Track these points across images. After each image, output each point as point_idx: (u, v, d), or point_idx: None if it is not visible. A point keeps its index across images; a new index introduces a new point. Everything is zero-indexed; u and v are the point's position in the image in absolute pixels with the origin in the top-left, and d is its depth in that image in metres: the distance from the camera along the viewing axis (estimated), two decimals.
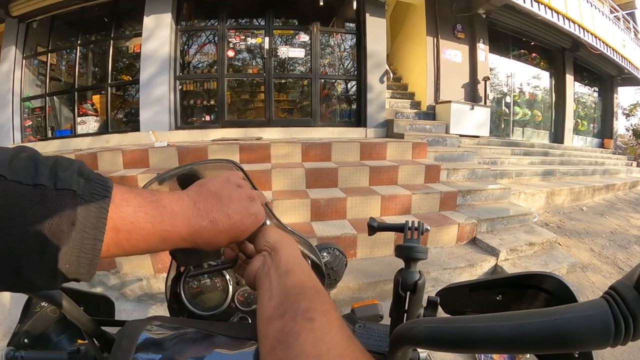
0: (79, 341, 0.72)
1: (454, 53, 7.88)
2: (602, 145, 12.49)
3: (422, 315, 0.65)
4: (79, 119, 7.04)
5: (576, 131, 11.49)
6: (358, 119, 6.96)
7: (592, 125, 12.78)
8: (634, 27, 12.43)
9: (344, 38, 7.11)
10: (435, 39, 7.62)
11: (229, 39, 6.58)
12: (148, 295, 3.33)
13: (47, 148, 6.80)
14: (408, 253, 0.65)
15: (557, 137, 10.61)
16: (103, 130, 6.93)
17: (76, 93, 7.11)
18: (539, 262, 3.80)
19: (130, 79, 6.97)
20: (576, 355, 0.53)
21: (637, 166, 11.39)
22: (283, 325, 0.39)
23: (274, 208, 3.82)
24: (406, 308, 0.65)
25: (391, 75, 7.29)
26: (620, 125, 14.89)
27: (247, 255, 0.62)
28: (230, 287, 0.93)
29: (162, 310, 3.13)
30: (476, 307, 0.66)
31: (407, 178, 4.67)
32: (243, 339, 0.57)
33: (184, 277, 0.94)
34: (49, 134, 7.33)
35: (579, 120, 11.76)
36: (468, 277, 3.56)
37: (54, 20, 7.21)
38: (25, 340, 0.72)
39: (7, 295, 3.04)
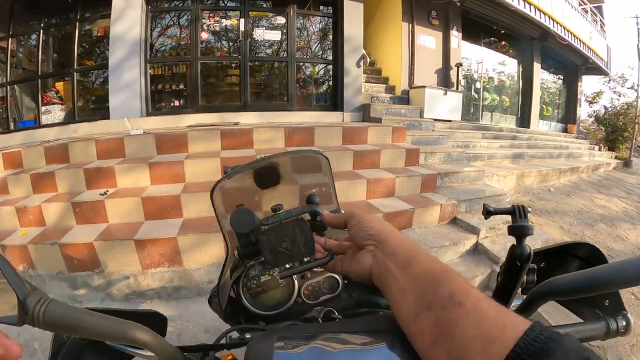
0: None
1: (428, 39, 7.99)
2: (565, 130, 13.03)
3: (526, 280, 0.77)
4: (43, 109, 6.65)
5: (541, 116, 11.94)
6: (334, 103, 6.93)
7: (556, 111, 13.30)
8: (600, 20, 12.99)
9: (320, 21, 7.03)
10: (410, 24, 7.68)
11: (203, 20, 6.37)
12: (136, 293, 3.22)
13: (11, 141, 6.41)
14: (520, 231, 0.78)
15: (524, 121, 10.99)
16: (69, 119, 6.57)
17: (39, 81, 6.71)
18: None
19: (95, 63, 6.66)
20: (606, 304, 0.69)
21: (599, 150, 11.95)
22: (436, 318, 0.40)
23: (275, 197, 3.75)
24: (521, 275, 0.76)
25: (367, 59, 7.30)
26: (583, 111, 15.65)
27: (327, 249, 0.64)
28: (296, 282, 0.89)
29: (152, 308, 3.04)
30: None
31: (388, 161, 4.70)
32: (379, 331, 0.54)
33: (242, 278, 0.89)
34: (12, 126, 6.90)
35: (544, 106, 12.21)
36: (453, 254, 3.70)
37: (14, 3, 6.73)
38: None
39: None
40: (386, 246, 0.51)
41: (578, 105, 13.87)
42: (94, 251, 3.18)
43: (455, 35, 8.29)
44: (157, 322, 0.75)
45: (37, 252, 3.27)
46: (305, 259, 0.65)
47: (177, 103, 6.52)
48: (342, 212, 0.64)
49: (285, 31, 6.63)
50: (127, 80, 6.01)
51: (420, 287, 0.44)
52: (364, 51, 6.82)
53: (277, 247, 0.62)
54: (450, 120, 7.69)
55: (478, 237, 3.84)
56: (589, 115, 16.50)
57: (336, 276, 0.78)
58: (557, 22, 9.48)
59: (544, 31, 9.74)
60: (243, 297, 0.87)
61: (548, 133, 11.51)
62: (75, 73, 6.49)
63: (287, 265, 0.66)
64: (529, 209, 0.84)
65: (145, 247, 3.17)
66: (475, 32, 9.33)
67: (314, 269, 0.84)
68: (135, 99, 6.06)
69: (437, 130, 6.73)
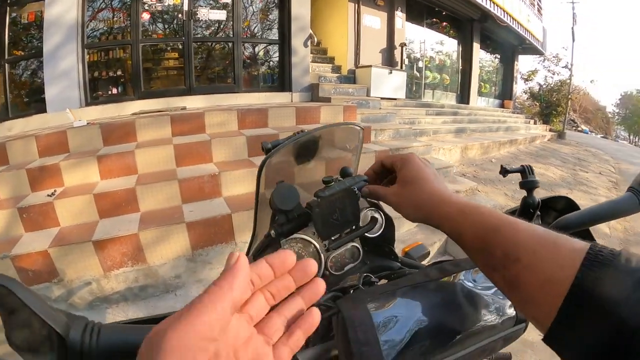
0: None
1: (374, 19, 8.13)
2: (502, 106, 13.73)
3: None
4: None
5: (480, 93, 12.52)
6: (282, 83, 6.86)
7: (493, 88, 13.95)
8: (537, 3, 13.77)
9: (267, 0, 6.90)
10: (356, 5, 7.79)
11: (144, 0, 6.00)
12: (100, 298, 3.02)
13: None
14: (531, 185, 0.92)
15: (463, 98, 11.49)
16: (2, 116, 5.90)
17: None
18: None
19: (27, 53, 6.04)
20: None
21: (534, 124, 12.76)
22: (502, 276, 0.44)
23: (221, 180, 3.73)
24: (532, 221, 0.82)
25: (315, 39, 7.29)
26: (519, 88, 16.63)
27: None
28: (322, 255, 0.84)
29: (120, 312, 2.93)
30: None
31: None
32: (437, 279, 0.61)
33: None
34: None
35: (482, 84, 12.80)
36: (410, 224, 3.77)
37: None
38: None
39: None
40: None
41: (514, 83, 14.72)
42: (50, 259, 2.95)
43: (399, 16, 8.49)
44: None
45: None
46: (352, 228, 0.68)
47: (116, 90, 6.16)
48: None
49: (230, 10, 6.44)
50: (63, 68, 5.57)
51: (476, 253, 0.48)
52: (311, 31, 6.81)
53: (329, 219, 0.64)
54: (395, 99, 7.91)
55: None
56: (524, 92, 17.63)
57: (357, 245, 0.78)
58: (496, 5, 9.92)
59: (484, 13, 10.14)
60: None
61: (487, 109, 12.12)
62: (6, 64, 5.89)
63: (335, 237, 0.68)
64: (533, 168, 0.98)
65: (104, 248, 2.99)
66: (418, 13, 9.60)
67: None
68: (74, 89, 5.65)
69: (384, 108, 6.88)
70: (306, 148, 0.96)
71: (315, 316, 0.37)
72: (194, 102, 6.02)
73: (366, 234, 0.76)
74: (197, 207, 3.46)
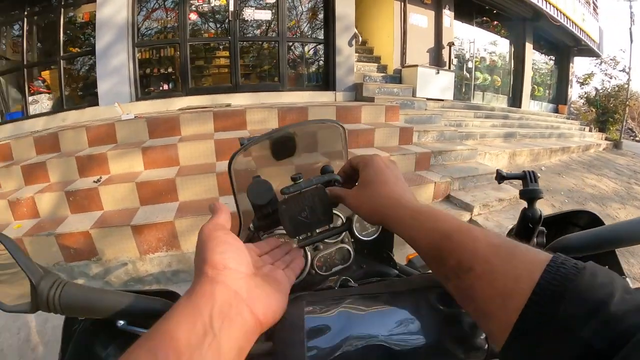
0: None
1: (421, 18, 7.96)
2: (556, 111, 13.07)
3: (536, 242, 0.79)
4: (30, 99, 6.50)
5: (533, 96, 11.96)
6: (326, 82, 6.87)
7: (547, 91, 13.32)
8: (593, 2, 12.95)
9: (311, 0, 6.92)
10: (402, 3, 7.64)
11: (191, 1, 6.24)
12: (135, 279, 3.19)
13: None
14: (532, 194, 0.80)
15: (515, 101, 11.02)
16: (58, 108, 6.45)
17: (25, 70, 6.55)
18: (509, 217, 3.96)
19: (81, 50, 6.50)
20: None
21: (590, 131, 12.03)
22: (455, 285, 0.41)
23: (290, 167, 3.74)
24: (533, 237, 0.79)
25: (359, 38, 7.23)
26: (574, 92, 15.69)
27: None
28: (309, 254, 0.87)
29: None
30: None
31: (383, 140, 4.70)
32: (401, 293, 0.56)
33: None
34: None
35: (536, 87, 12.23)
36: None
37: None
38: None
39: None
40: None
41: (569, 86, 13.90)
42: (91, 239, 3.15)
43: (447, 15, 8.26)
44: (173, 301, 0.73)
45: (32, 244, 3.23)
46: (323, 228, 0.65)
47: (166, 86, 6.43)
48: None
49: (275, 10, 6.53)
50: (115, 65, 5.90)
51: (430, 261, 0.45)
52: (355, 30, 6.75)
53: (296, 217, 0.62)
54: (442, 100, 7.70)
55: (472, 214, 3.88)
56: (580, 97, 16.65)
57: (348, 247, 0.78)
58: (549, 3, 9.45)
59: (537, 11, 9.70)
60: None
61: (539, 113, 11.55)
62: (61, 61, 6.35)
63: (307, 234, 0.67)
64: (539, 175, 0.86)
65: (142, 233, 3.15)
66: (467, 11, 9.27)
67: (326, 240, 0.86)
68: (124, 84, 5.97)
69: (430, 110, 6.74)
70: (283, 144, 0.94)
71: (300, 261, 0.59)
72: (239, 100, 6.13)
73: (360, 237, 0.78)
74: (232, 200, 3.50)
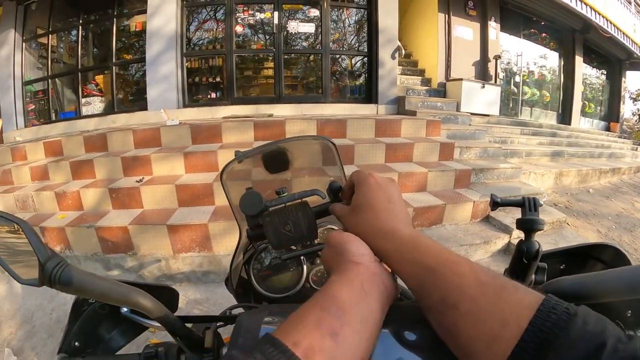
0: (152, 342, 0.68)
1: (465, 30, 7.82)
2: (608, 129, 12.43)
3: (534, 280, 0.72)
4: (83, 100, 6.93)
5: (583, 113, 11.44)
6: (369, 95, 6.86)
7: (599, 108, 12.71)
8: None
9: (354, 12, 6.97)
10: (446, 15, 7.55)
11: (238, 14, 6.44)
12: (167, 276, 3.31)
13: (52, 131, 6.73)
14: (530, 225, 0.74)
15: (565, 118, 10.57)
16: (109, 110, 6.83)
17: (79, 74, 6.99)
18: (550, 241, 3.78)
19: (133, 57, 6.86)
20: (628, 315, 0.62)
21: None
22: (437, 320, 0.41)
23: (295, 186, 3.78)
24: (529, 274, 0.72)
25: (403, 51, 7.18)
26: (627, 109, 14.88)
27: None
28: (305, 267, 0.91)
29: (181, 291, 3.10)
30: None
31: (422, 155, 4.62)
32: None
33: (253, 260, 0.93)
34: (53, 117, 7.23)
35: (586, 103, 11.68)
36: (483, 253, 3.60)
37: (54, 1, 7.05)
38: (76, 344, 0.67)
39: (18, 285, 2.99)
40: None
41: (622, 103, 13.20)
42: (128, 234, 3.28)
43: (493, 27, 8.08)
44: (168, 296, 0.79)
45: (74, 234, 3.41)
46: (310, 243, 0.67)
47: (213, 95, 6.62)
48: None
49: (319, 23, 6.62)
50: (164, 73, 6.16)
51: (414, 293, 0.45)
52: (399, 43, 6.71)
53: (280, 230, 0.63)
54: (488, 115, 7.50)
55: (510, 236, 3.72)
56: (633, 114, 15.76)
57: None
58: (599, 13, 9.07)
59: (586, 23, 9.34)
60: (252, 279, 0.91)
61: (590, 131, 11.02)
62: (114, 66, 6.72)
63: (292, 248, 0.69)
64: (541, 203, 0.79)
65: (177, 232, 3.25)
66: (514, 23, 9.03)
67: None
68: (172, 91, 6.20)
69: (474, 125, 6.58)
70: (276, 159, 0.96)
71: None
72: (281, 110, 6.23)
73: None
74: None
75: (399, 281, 0.50)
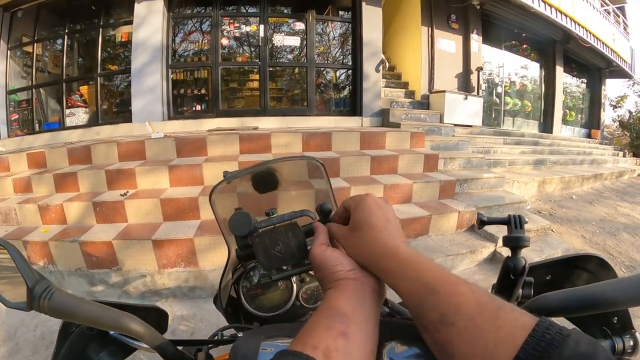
0: None
1: (448, 43, 7.91)
2: (589, 136, 12.68)
3: (521, 294, 0.76)
4: (67, 111, 6.86)
5: (564, 121, 11.66)
6: (353, 108, 6.91)
7: (579, 115, 12.96)
8: (623, 21, 12.64)
9: (339, 26, 7.04)
10: (429, 28, 7.63)
11: (223, 27, 6.46)
12: (152, 291, 3.28)
13: (36, 142, 6.63)
14: (516, 242, 0.77)
15: (546, 127, 10.75)
16: (93, 122, 6.76)
17: (64, 84, 6.92)
18: (535, 248, 3.85)
19: (118, 68, 6.82)
20: (614, 321, 0.66)
21: (624, 156, 11.58)
22: (433, 338, 0.42)
23: (284, 206, 3.79)
24: (516, 289, 0.75)
25: (387, 64, 7.27)
26: (607, 116, 15.19)
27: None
28: (295, 285, 0.91)
29: (167, 307, 3.09)
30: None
31: (406, 167, 4.67)
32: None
33: (242, 279, 0.92)
34: (37, 128, 7.13)
35: (567, 111, 11.92)
36: (469, 263, 3.65)
37: (40, 9, 6.99)
38: None
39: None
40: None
41: (602, 110, 13.49)
42: (113, 249, 3.25)
43: (475, 39, 8.19)
44: (157, 317, 0.78)
45: (57, 248, 3.37)
46: (301, 263, 0.66)
47: (198, 107, 6.62)
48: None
49: (304, 37, 6.67)
50: (149, 84, 6.14)
51: (411, 310, 0.46)
52: (383, 56, 6.80)
53: (270, 250, 0.63)
54: (470, 126, 7.58)
55: (496, 245, 3.78)
56: (613, 120, 16.07)
57: None
58: (578, 24, 9.28)
59: (566, 34, 9.56)
60: (242, 298, 0.90)
61: (571, 139, 11.24)
62: (98, 77, 6.66)
63: (283, 268, 0.68)
64: (527, 220, 0.82)
65: (162, 247, 3.23)
66: (495, 35, 9.17)
67: (312, 273, 0.89)
68: (157, 103, 6.18)
69: (457, 136, 6.66)
70: (264, 179, 0.98)
71: None
72: (266, 123, 6.24)
73: None
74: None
75: (391, 295, 0.53)
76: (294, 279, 0.91)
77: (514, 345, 0.33)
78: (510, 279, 0.75)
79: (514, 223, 0.79)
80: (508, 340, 0.34)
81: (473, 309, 0.38)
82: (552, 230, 4.45)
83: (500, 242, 3.68)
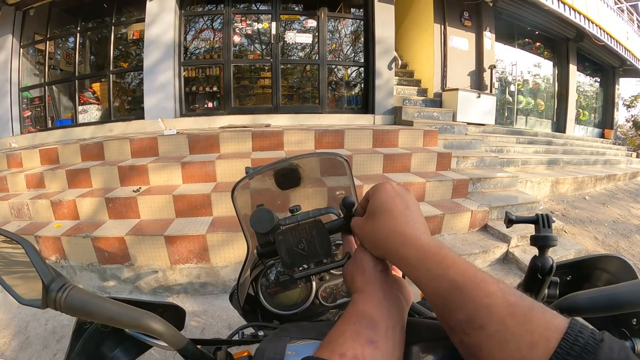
0: None
1: (461, 41, 7.86)
2: (602, 136, 12.56)
3: (547, 294, 0.75)
4: (80, 108, 6.93)
5: (577, 121, 11.56)
6: (366, 105, 6.90)
7: (593, 115, 12.84)
8: (637, 19, 12.48)
9: (351, 23, 7.01)
10: (442, 26, 7.60)
11: (235, 24, 6.47)
12: (164, 287, 3.29)
13: (49, 138, 6.72)
14: (544, 242, 0.75)
15: (560, 126, 10.67)
16: (105, 118, 6.82)
17: (76, 81, 6.99)
18: None
19: (129, 66, 6.86)
20: (634, 323, 0.65)
21: (637, 157, 11.45)
22: (460, 340, 0.39)
23: (306, 203, 3.78)
24: (543, 288, 0.75)
25: (399, 61, 7.22)
26: (621, 116, 14.99)
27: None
28: (314, 284, 0.91)
29: (178, 303, 3.08)
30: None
31: (419, 165, 4.63)
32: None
33: (261, 277, 0.92)
34: (49, 124, 7.21)
35: (581, 110, 11.81)
36: (482, 263, 3.61)
37: (52, 7, 7.07)
38: None
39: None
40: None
41: (615, 109, 13.34)
42: (125, 245, 3.26)
43: (488, 37, 8.13)
44: (175, 315, 0.78)
45: (69, 244, 3.38)
46: (324, 261, 0.65)
47: (210, 105, 6.64)
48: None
49: (316, 34, 6.66)
50: (161, 82, 6.16)
51: (435, 308, 0.43)
52: (395, 53, 6.76)
53: (293, 248, 0.62)
54: (483, 124, 7.55)
55: (509, 245, 3.74)
56: (626, 120, 15.89)
57: None
58: (592, 22, 9.17)
59: (579, 31, 9.47)
60: (261, 296, 0.90)
61: (584, 138, 11.13)
62: (111, 74, 6.71)
63: (305, 266, 0.68)
64: (554, 219, 0.82)
65: (174, 243, 3.23)
66: (508, 33, 9.13)
67: (333, 272, 0.89)
68: (169, 100, 6.20)
69: (470, 134, 6.61)
70: (287, 175, 0.96)
71: None
72: (279, 120, 6.26)
73: None
74: None
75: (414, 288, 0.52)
76: (313, 276, 0.90)
77: (548, 349, 0.32)
78: (537, 278, 0.74)
79: (542, 222, 0.76)
80: (542, 344, 0.33)
81: (503, 310, 0.36)
82: (564, 231, 4.41)
83: (513, 242, 3.73)
